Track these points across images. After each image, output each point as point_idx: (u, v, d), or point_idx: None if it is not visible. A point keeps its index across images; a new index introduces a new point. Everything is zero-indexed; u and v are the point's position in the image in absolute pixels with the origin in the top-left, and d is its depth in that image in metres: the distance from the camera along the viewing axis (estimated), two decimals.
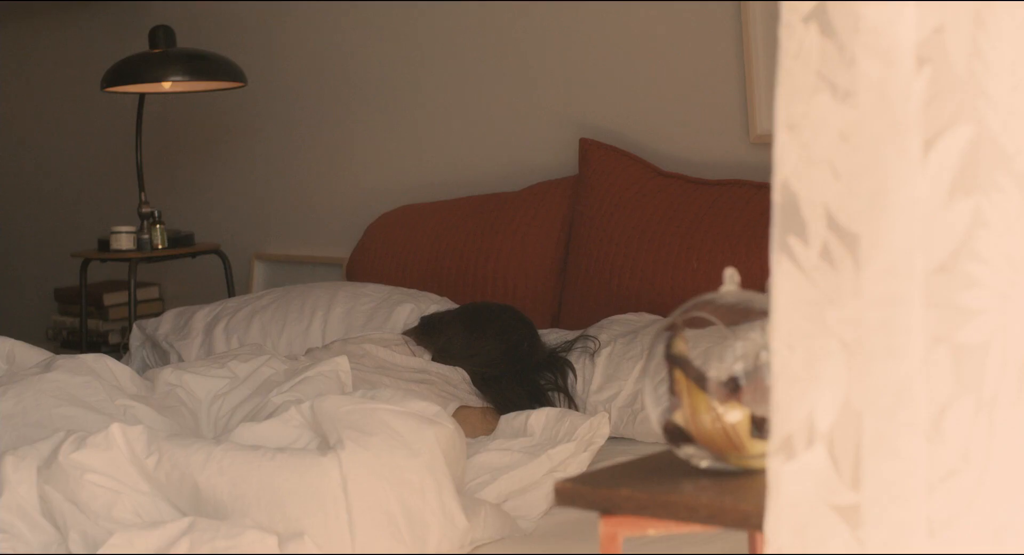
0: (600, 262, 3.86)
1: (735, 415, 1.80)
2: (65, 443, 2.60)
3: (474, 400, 3.39)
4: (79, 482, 2.56)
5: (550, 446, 2.97)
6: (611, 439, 3.38)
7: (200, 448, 2.57)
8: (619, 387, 3.38)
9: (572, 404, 3.43)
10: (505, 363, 3.50)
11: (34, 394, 2.95)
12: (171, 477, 2.56)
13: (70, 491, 2.56)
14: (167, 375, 3.14)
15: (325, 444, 2.62)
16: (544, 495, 2.86)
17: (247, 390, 3.09)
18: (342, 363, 3.07)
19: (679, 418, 1.83)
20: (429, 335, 3.57)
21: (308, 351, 3.56)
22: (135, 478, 2.59)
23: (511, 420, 3.14)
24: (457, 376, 3.43)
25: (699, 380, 1.81)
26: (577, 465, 2.95)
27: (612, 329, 3.56)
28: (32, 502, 2.58)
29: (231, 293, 4.66)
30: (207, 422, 3.07)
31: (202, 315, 3.99)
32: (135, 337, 4.07)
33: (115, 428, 2.60)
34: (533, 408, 3.26)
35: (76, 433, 2.64)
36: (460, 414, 3.28)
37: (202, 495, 2.53)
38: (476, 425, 3.27)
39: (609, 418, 3.33)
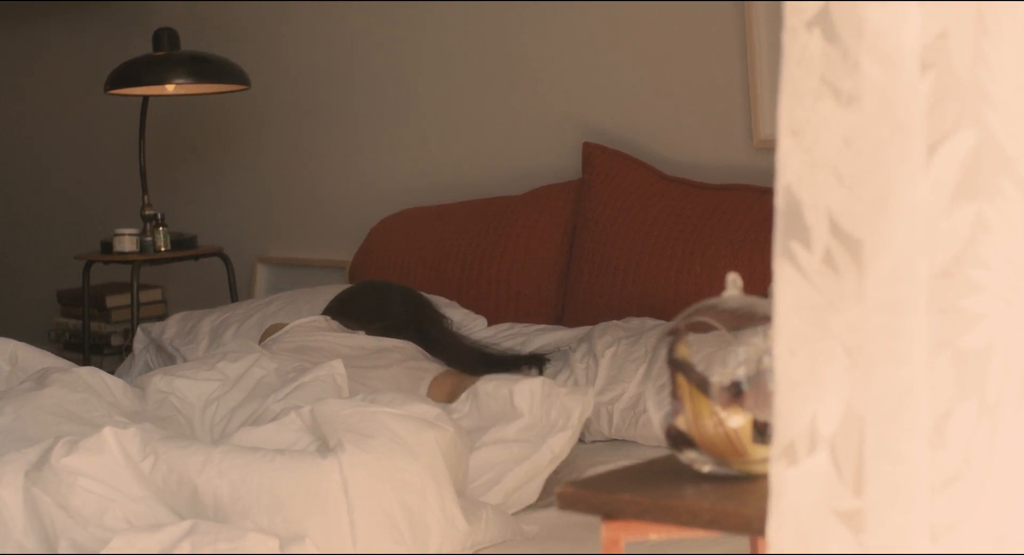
0: (603, 266, 3.86)
1: (737, 420, 1.80)
2: (57, 446, 2.58)
3: (436, 367, 3.48)
4: (71, 487, 2.53)
5: (547, 433, 2.94)
6: (613, 441, 3.39)
7: (198, 450, 2.56)
8: (622, 389, 3.38)
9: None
10: (416, 322, 3.66)
11: (32, 410, 2.92)
12: (168, 480, 2.54)
13: (61, 496, 2.54)
14: (157, 382, 3.12)
15: (325, 447, 2.62)
16: (537, 485, 2.90)
17: (240, 393, 3.08)
18: (338, 367, 3.07)
19: (681, 423, 1.83)
20: (346, 318, 3.68)
21: (262, 343, 3.52)
22: (129, 483, 2.57)
23: (493, 395, 3.02)
24: (412, 349, 3.54)
25: (702, 385, 1.81)
26: (568, 445, 2.97)
27: (615, 332, 3.56)
28: (15, 506, 2.55)
29: (234, 296, 4.66)
30: (202, 428, 3.06)
31: (209, 320, 3.99)
32: (139, 340, 4.07)
33: (107, 432, 2.58)
34: (484, 363, 3.46)
35: (67, 437, 2.63)
36: (438, 383, 3.39)
37: (201, 498, 2.52)
38: (456, 385, 3.37)
39: (610, 418, 3.35)
